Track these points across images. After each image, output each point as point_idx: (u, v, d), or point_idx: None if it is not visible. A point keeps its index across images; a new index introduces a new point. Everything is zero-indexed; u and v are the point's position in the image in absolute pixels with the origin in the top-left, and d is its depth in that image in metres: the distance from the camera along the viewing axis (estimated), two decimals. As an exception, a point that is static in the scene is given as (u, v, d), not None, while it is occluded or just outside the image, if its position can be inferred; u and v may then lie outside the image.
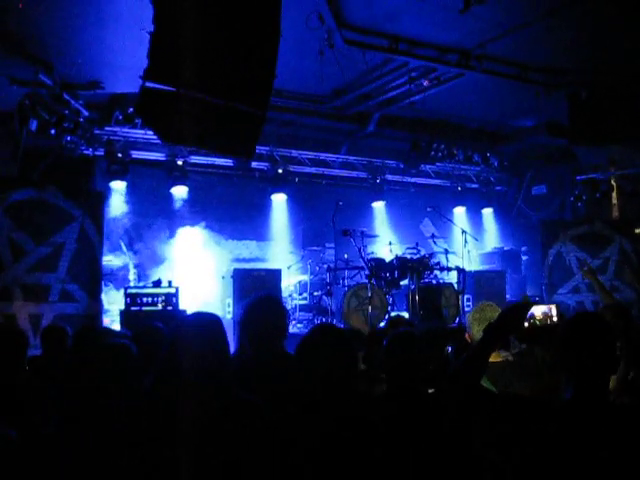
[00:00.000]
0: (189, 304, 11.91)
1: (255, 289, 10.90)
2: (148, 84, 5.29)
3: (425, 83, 11.76)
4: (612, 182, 15.58)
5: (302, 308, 12.69)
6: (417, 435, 3.50)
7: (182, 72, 5.17)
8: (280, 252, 13.66)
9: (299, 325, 12.16)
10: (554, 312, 3.02)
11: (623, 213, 15.87)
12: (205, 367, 3.07)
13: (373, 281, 11.21)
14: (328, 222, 12.73)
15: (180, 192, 13.22)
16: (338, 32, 9.76)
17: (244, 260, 13.29)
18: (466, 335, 4.55)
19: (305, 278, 13.10)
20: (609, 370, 2.76)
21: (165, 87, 5.27)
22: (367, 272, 11.14)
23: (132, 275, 12.39)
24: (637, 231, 15.48)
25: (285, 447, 3.03)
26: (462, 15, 9.02)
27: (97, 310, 10.31)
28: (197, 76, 5.26)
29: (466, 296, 12.50)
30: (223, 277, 11.84)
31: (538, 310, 3.06)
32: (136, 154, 12.99)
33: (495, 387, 4.14)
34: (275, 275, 11.60)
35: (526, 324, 3.08)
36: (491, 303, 5.05)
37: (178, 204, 13.26)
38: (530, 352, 4.27)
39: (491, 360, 4.37)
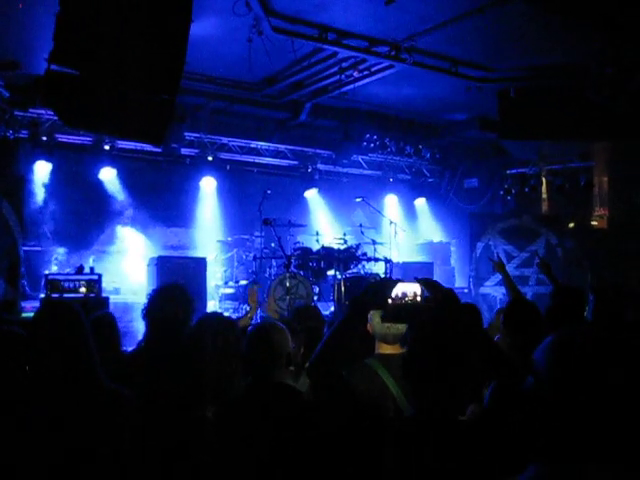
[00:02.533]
0: (114, 291, 11.77)
1: (179, 277, 10.80)
2: (53, 67, 5.11)
3: (355, 74, 11.73)
4: (541, 177, 15.84)
5: (228, 297, 12.56)
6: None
7: (88, 56, 5.01)
8: (208, 240, 13.50)
9: (226, 314, 12.03)
10: (418, 292, 2.89)
11: (551, 208, 16.17)
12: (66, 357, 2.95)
13: (299, 271, 11.16)
14: (257, 211, 12.67)
15: (108, 177, 12.96)
16: (266, 20, 9.66)
17: (172, 247, 13.08)
18: (367, 326, 4.50)
19: (232, 267, 12.98)
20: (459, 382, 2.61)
21: (70, 70, 5.10)
22: (285, 262, 11.04)
23: (56, 262, 12.12)
24: (570, 225, 15.81)
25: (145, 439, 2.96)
26: (391, 7, 9.03)
27: (15, 296, 10.04)
28: (103, 60, 5.11)
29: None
30: (148, 265, 11.67)
31: (409, 289, 2.92)
32: (62, 137, 12.66)
33: (396, 381, 4.12)
34: (200, 263, 11.47)
35: (391, 301, 2.90)
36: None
37: (106, 189, 12.99)
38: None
39: (391, 352, 4.37)
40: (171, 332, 4.37)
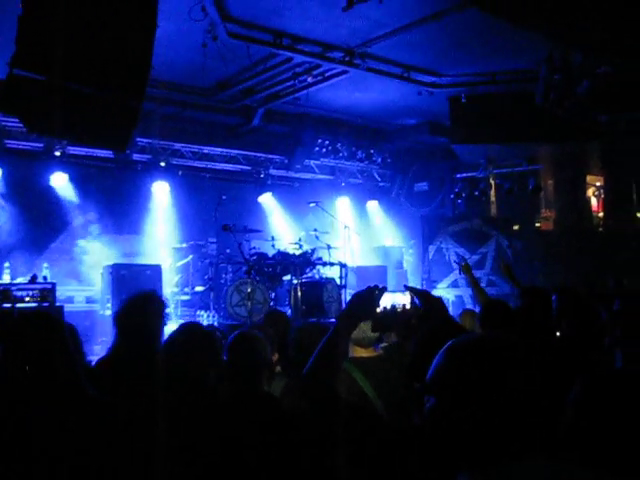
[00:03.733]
0: (68, 300, 11.57)
1: (135, 285, 10.69)
2: (16, 71, 5.00)
3: (309, 79, 11.78)
4: (490, 180, 16.10)
5: (184, 304, 12.48)
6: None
7: (52, 60, 4.89)
8: (162, 247, 13.35)
9: (181, 321, 11.92)
10: (408, 300, 2.89)
11: (500, 210, 16.46)
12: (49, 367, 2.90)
13: (254, 276, 11.14)
14: (211, 216, 12.62)
15: (60, 183, 12.70)
16: (222, 25, 9.64)
17: (125, 255, 12.89)
18: None
19: (187, 274, 12.88)
20: None
21: (34, 75, 5.00)
22: (246, 269, 11.02)
23: (7, 270, 11.83)
24: (515, 228, 16.10)
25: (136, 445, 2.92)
26: (346, 13, 9.08)
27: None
28: (68, 64, 4.97)
29: (348, 291, 12.61)
30: (102, 273, 11.51)
31: (398, 300, 2.92)
32: (11, 143, 12.41)
33: (371, 384, 4.14)
34: (155, 271, 11.38)
35: (379, 310, 2.87)
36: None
37: (58, 196, 12.74)
38: (401, 345, 4.29)
39: (365, 356, 4.39)
40: (143, 341, 4.32)
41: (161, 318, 4.43)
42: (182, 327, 3.80)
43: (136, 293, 4.48)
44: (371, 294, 2.75)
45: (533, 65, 11.52)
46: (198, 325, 3.99)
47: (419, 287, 2.97)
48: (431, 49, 11.26)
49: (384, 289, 2.81)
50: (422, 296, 2.85)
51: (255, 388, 3.43)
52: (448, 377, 1.81)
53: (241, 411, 3.34)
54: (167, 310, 4.50)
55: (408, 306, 2.84)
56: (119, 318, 4.35)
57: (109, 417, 2.94)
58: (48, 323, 3.05)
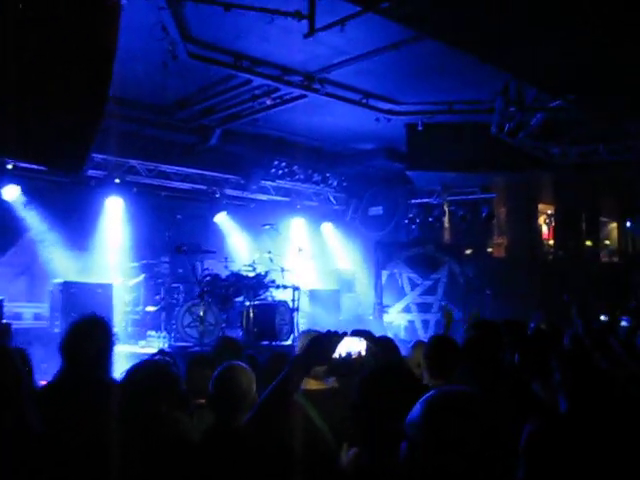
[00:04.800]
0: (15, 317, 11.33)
1: (85, 303, 10.53)
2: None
3: (268, 102, 11.81)
4: (444, 207, 16.27)
5: (135, 323, 12.31)
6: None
7: (3, 76, 4.78)
8: (114, 264, 13.13)
9: (130, 341, 11.76)
10: (364, 346, 2.87)
11: (453, 236, 16.62)
12: None
13: (207, 298, 11.06)
14: (165, 235, 12.50)
15: (11, 196, 12.40)
16: (182, 45, 9.63)
17: (76, 271, 12.58)
18: None
19: (139, 293, 12.72)
20: None
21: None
22: (199, 290, 10.94)
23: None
24: (467, 252, 16.28)
25: None
26: (307, 40, 9.14)
27: None
28: (21, 82, 4.87)
29: (300, 314, 12.59)
30: (52, 290, 11.32)
31: (354, 347, 2.90)
32: (-40, 156, 12.14)
33: (322, 416, 4.13)
34: (106, 289, 11.23)
35: (337, 356, 2.84)
36: (318, 330, 5.10)
37: (7, 209, 12.46)
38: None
39: (316, 388, 4.39)
40: (89, 369, 4.22)
41: (108, 344, 4.33)
42: (140, 368, 3.69)
43: (81, 318, 4.35)
44: (329, 340, 2.73)
45: (489, 96, 11.72)
46: (156, 365, 3.84)
47: (372, 333, 2.93)
48: (390, 77, 11.40)
49: (343, 335, 2.80)
50: (380, 345, 2.85)
51: (232, 423, 3.36)
52: (425, 428, 1.83)
53: (214, 448, 3.27)
54: (113, 335, 4.40)
55: (363, 353, 2.83)
56: (64, 346, 4.23)
57: (57, 455, 2.85)
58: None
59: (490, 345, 5.06)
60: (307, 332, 4.83)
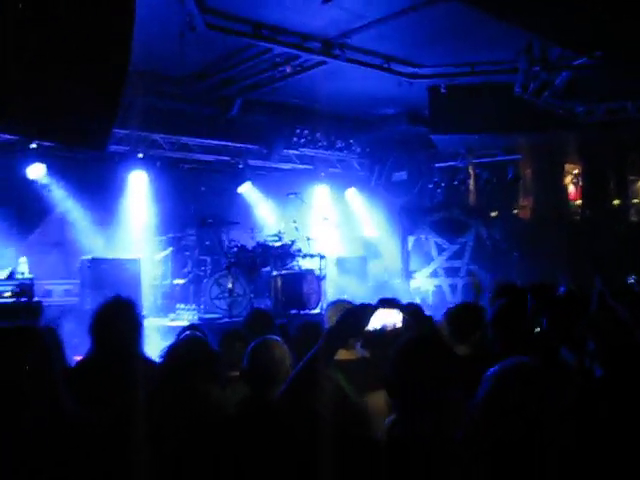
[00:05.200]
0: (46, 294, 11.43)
1: (113, 279, 10.62)
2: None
3: (288, 69, 11.72)
4: (469, 170, 16.11)
5: (164, 297, 12.38)
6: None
7: (19, 51, 4.71)
8: (141, 239, 13.17)
9: (160, 314, 11.84)
10: (399, 318, 2.81)
11: (478, 200, 16.49)
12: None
13: (234, 269, 11.09)
14: (190, 208, 12.54)
15: (37, 174, 12.42)
16: (200, 16, 9.54)
17: (103, 247, 12.66)
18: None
19: (166, 267, 12.77)
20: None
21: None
22: (226, 262, 10.95)
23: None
24: (493, 215, 16.17)
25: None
26: (325, 5, 9.06)
27: None
28: (40, 60, 4.82)
29: (327, 282, 12.60)
30: (80, 267, 11.40)
31: (389, 320, 2.84)
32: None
33: (353, 387, 4.13)
34: (134, 264, 11.29)
35: (371, 328, 2.79)
36: (347, 300, 5.07)
37: (34, 187, 12.51)
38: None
39: (347, 358, 4.37)
40: (119, 350, 4.26)
41: (136, 324, 4.37)
42: (180, 346, 3.70)
43: (107, 301, 4.40)
44: (363, 312, 2.66)
45: (512, 56, 11.52)
46: (202, 342, 3.84)
47: (400, 301, 2.85)
48: (410, 40, 11.24)
49: (377, 307, 2.74)
50: (412, 314, 2.79)
51: (267, 397, 3.36)
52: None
53: (248, 421, 3.26)
54: (140, 315, 4.43)
55: (399, 325, 2.77)
56: (93, 329, 4.29)
57: (92, 434, 2.84)
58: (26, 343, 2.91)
59: (517, 312, 5.02)
60: (336, 302, 4.82)
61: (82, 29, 5.08)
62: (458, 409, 2.58)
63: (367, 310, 2.67)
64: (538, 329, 6.25)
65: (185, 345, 3.59)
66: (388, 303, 2.76)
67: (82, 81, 5.06)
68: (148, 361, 4.34)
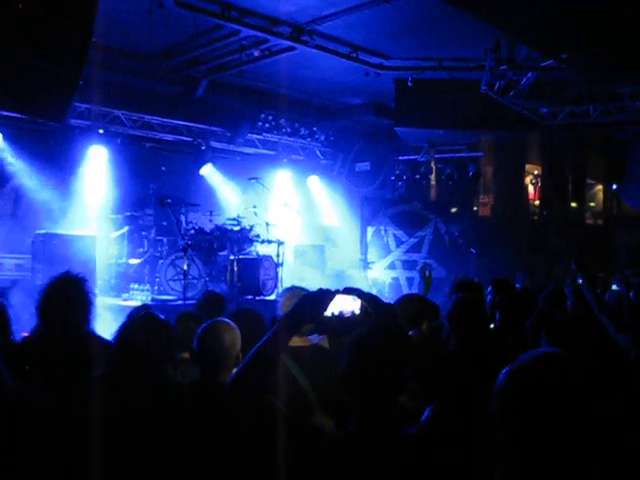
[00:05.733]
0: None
1: (67, 255, 10.43)
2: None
3: (256, 53, 11.63)
4: (431, 165, 16.18)
5: (118, 276, 12.19)
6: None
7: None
8: (98, 216, 12.93)
9: (113, 293, 11.69)
10: (357, 305, 2.76)
11: (439, 194, 16.59)
12: None
13: (191, 251, 10.98)
14: (149, 187, 12.38)
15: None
16: (169, -8, 9.42)
17: (59, 222, 12.39)
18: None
19: (122, 245, 12.57)
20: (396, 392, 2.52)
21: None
22: (182, 244, 10.81)
23: None
24: (453, 210, 16.29)
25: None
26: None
27: None
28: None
29: (284, 269, 12.57)
30: (33, 241, 11.17)
31: (347, 306, 2.79)
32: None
33: (305, 374, 4.09)
34: (89, 241, 11.10)
35: (328, 314, 2.76)
36: (301, 287, 5.03)
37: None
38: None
39: (299, 345, 4.33)
40: (66, 329, 4.19)
41: (85, 301, 4.30)
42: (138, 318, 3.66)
43: (56, 277, 4.32)
44: (320, 297, 2.61)
45: (480, 54, 11.56)
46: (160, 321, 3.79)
47: (363, 290, 2.81)
48: (380, 31, 11.25)
49: (335, 293, 2.70)
50: (371, 302, 2.74)
51: (217, 380, 3.31)
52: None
53: (199, 401, 3.22)
54: (90, 292, 4.35)
55: (357, 312, 2.73)
56: (41, 305, 4.20)
57: (32, 408, 2.78)
58: None
59: (473, 307, 5.05)
60: (290, 289, 4.77)
61: (44, 7, 4.96)
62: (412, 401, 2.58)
63: (325, 296, 2.62)
64: (492, 325, 6.34)
65: (142, 323, 3.53)
66: (351, 291, 2.72)
67: (42, 51, 4.95)
68: (97, 339, 4.29)
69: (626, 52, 10.26)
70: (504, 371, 1.85)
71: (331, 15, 10.39)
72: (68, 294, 4.28)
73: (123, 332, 3.55)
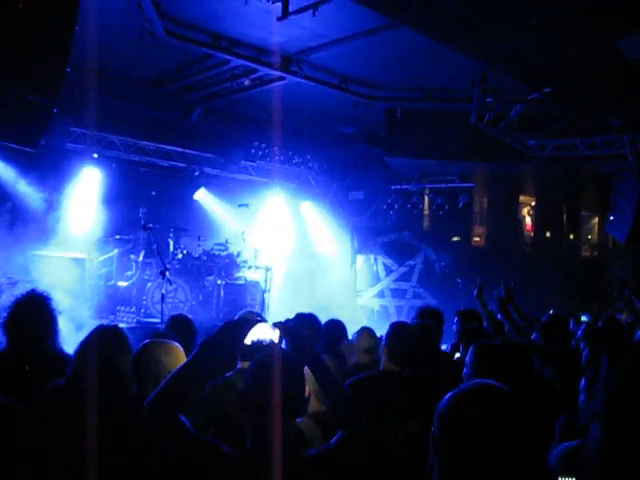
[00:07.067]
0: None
1: (56, 276, 10.56)
2: None
3: (246, 82, 11.84)
4: (424, 194, 16.30)
5: (106, 298, 12.30)
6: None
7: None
8: (89, 238, 13.00)
9: (101, 315, 11.79)
10: (276, 334, 2.90)
11: (432, 224, 16.69)
12: None
13: (174, 276, 11.08)
14: (139, 211, 12.55)
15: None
16: (159, 22, 9.62)
17: (49, 244, 12.48)
18: None
19: (111, 268, 12.70)
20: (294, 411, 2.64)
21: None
22: (162, 267, 10.87)
23: None
24: (444, 240, 16.34)
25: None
26: (284, 22, 9.18)
27: None
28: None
29: (272, 295, 12.68)
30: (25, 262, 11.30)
31: (266, 335, 2.92)
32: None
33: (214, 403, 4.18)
34: (78, 263, 11.26)
35: (249, 342, 2.78)
36: (255, 312, 5.17)
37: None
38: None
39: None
40: (32, 346, 4.34)
41: (49, 318, 4.45)
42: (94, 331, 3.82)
43: (21, 296, 4.48)
44: (241, 325, 2.76)
45: (468, 85, 11.71)
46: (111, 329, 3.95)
47: (289, 324, 2.93)
48: (368, 62, 11.43)
49: (255, 322, 2.83)
50: (291, 336, 2.86)
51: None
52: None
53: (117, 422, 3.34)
54: (54, 309, 4.51)
55: (276, 341, 2.86)
56: (6, 323, 4.36)
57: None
58: None
59: (430, 334, 5.18)
60: (244, 314, 4.90)
61: (24, 40, 5.14)
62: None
63: (245, 324, 2.76)
64: (458, 354, 6.44)
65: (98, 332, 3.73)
66: (280, 328, 2.84)
67: (17, 80, 5.12)
68: (59, 354, 4.42)
69: (609, 90, 10.46)
70: (447, 396, 2.01)
71: (319, 46, 10.59)
72: (32, 311, 4.45)
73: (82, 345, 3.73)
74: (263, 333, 2.85)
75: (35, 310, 4.46)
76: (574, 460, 2.67)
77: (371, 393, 4.01)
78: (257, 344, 2.82)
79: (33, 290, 4.63)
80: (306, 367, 2.77)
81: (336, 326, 5.88)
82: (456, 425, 1.93)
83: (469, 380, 3.53)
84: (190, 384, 2.61)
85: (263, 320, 3.00)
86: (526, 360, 4.28)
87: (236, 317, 4.53)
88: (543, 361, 5.17)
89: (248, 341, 2.79)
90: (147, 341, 3.70)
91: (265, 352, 2.71)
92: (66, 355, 4.33)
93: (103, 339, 3.71)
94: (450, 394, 2.01)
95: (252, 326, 2.80)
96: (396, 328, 4.95)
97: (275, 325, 2.86)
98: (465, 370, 4.07)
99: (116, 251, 12.56)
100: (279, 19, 8.76)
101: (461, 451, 1.90)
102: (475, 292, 6.96)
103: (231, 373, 4.24)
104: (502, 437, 1.89)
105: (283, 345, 2.87)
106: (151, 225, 11.29)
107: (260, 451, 2.52)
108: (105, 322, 7.71)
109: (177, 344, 3.76)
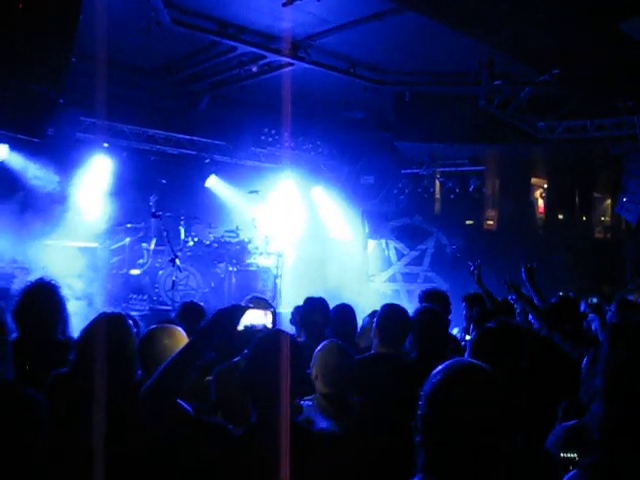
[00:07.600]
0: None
1: (69, 265, 10.64)
2: None
3: (254, 69, 11.85)
4: (434, 178, 16.26)
5: (119, 287, 12.36)
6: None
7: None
8: (101, 227, 13.08)
9: (114, 304, 11.88)
10: (270, 319, 2.96)
11: (443, 208, 16.65)
12: None
13: (190, 263, 11.17)
14: (150, 200, 12.59)
15: (1, 157, 12.36)
16: (165, 11, 9.64)
17: (61, 233, 12.58)
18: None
19: (123, 256, 12.77)
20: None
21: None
22: (172, 255, 10.90)
23: None
24: (468, 222, 16.29)
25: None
26: (291, 8, 9.19)
27: None
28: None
29: (284, 280, 12.70)
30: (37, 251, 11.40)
31: (259, 320, 2.98)
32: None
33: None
34: (91, 252, 11.35)
35: (241, 327, 2.86)
36: (261, 297, 5.21)
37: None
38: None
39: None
40: (40, 334, 4.40)
41: (58, 306, 4.51)
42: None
43: (29, 285, 4.54)
44: (234, 312, 2.78)
45: (476, 68, 11.66)
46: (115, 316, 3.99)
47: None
48: (376, 46, 11.41)
49: (247, 308, 2.87)
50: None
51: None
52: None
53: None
54: (62, 297, 4.57)
55: (269, 325, 2.91)
56: (15, 312, 4.42)
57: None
58: None
59: (436, 317, 5.19)
60: (251, 298, 4.94)
61: (27, 29, 5.17)
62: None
63: (237, 310, 2.79)
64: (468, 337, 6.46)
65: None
66: (257, 303, 2.90)
67: (22, 71, 5.17)
68: (67, 341, 4.48)
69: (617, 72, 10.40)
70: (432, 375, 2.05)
71: (325, 32, 10.59)
72: (41, 299, 4.51)
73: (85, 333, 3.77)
74: (256, 318, 2.91)
75: (44, 298, 4.53)
76: (576, 437, 2.72)
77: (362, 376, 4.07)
78: (250, 329, 2.87)
79: (41, 278, 4.70)
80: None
81: (345, 311, 5.90)
82: (443, 405, 1.96)
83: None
84: (185, 370, 2.65)
85: (269, 304, 3.05)
86: (521, 342, 4.30)
87: (242, 302, 4.57)
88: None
89: (241, 327, 2.84)
90: (151, 327, 3.75)
91: (264, 332, 2.77)
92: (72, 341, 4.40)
93: (106, 326, 3.74)
94: (433, 375, 2.05)
95: (244, 313, 2.84)
96: (386, 310, 4.98)
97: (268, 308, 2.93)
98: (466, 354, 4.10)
99: (127, 239, 12.61)
100: (284, 5, 8.77)
101: (446, 431, 1.93)
102: (475, 274, 6.95)
103: (238, 358, 4.29)
104: (486, 415, 1.93)
105: None
106: (160, 213, 11.34)
107: (265, 424, 2.59)
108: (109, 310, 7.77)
109: (180, 329, 3.80)
